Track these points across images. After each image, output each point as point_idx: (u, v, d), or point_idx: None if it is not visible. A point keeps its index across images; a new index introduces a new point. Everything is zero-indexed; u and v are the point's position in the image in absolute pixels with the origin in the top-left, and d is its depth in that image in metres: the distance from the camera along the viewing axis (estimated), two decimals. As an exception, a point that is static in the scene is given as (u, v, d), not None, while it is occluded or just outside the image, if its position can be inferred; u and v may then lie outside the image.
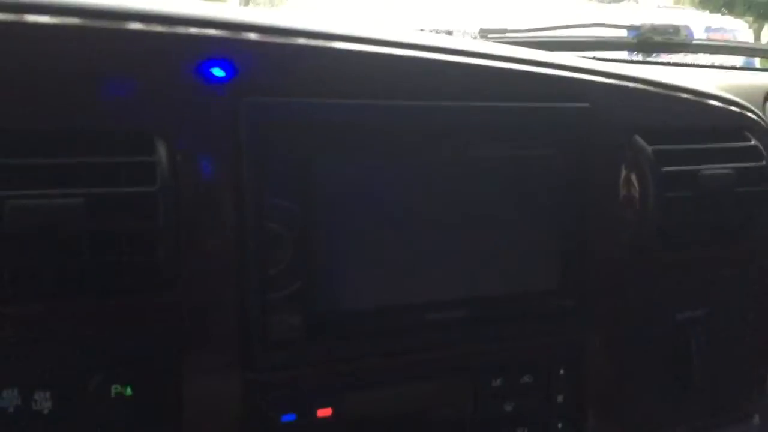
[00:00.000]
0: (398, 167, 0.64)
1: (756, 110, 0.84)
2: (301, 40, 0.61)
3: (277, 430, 0.61)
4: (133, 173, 0.54)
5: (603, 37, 1.55)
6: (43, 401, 0.53)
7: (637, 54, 1.45)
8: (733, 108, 0.81)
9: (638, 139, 0.74)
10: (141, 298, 0.55)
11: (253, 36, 0.60)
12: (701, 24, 5.50)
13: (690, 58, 1.48)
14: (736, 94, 0.88)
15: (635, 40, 1.36)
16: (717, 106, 0.80)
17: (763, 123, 0.83)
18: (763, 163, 0.79)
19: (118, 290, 0.54)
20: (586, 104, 0.71)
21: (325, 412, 0.62)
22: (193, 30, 0.58)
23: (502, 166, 0.68)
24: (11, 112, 0.52)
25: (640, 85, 0.76)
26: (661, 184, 0.73)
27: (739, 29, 5.86)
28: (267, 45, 0.60)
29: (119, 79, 0.55)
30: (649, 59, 1.45)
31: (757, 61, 1.84)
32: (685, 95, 0.78)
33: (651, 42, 1.34)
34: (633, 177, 0.74)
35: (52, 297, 0.53)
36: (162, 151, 0.55)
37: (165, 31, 0.57)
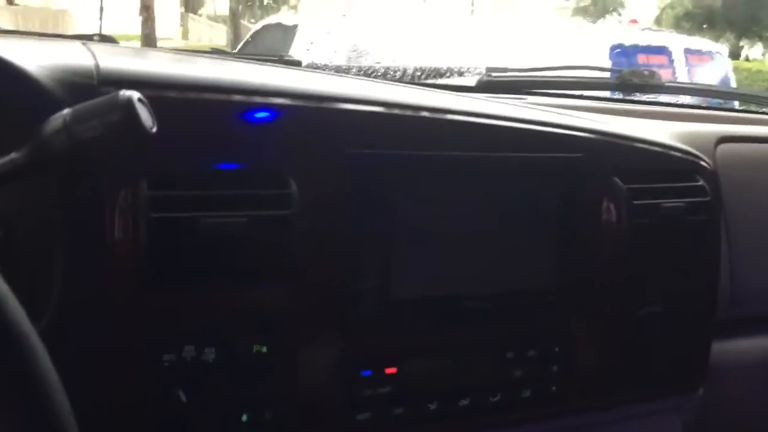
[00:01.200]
0: (446, 198, 0.90)
1: (704, 157, 1.11)
2: (392, 110, 0.88)
3: (357, 381, 0.86)
4: (273, 200, 0.79)
5: (590, 77, 1.83)
6: (209, 354, 0.79)
7: (618, 93, 1.70)
8: (687, 156, 1.08)
9: (616, 180, 1.00)
10: (275, 286, 0.81)
11: (352, 107, 0.86)
12: (681, 46, 5.78)
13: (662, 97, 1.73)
14: (692, 140, 1.15)
15: (617, 82, 1.62)
16: (675, 155, 1.07)
17: (709, 167, 1.10)
18: (708, 198, 1.05)
19: (262, 280, 0.80)
20: (581, 154, 0.97)
21: (391, 370, 0.88)
22: (331, 105, 0.84)
23: (517, 197, 0.94)
24: (193, 159, 0.78)
25: (618, 140, 1.03)
26: (632, 214, 1.00)
27: (717, 50, 6.15)
28: (364, 113, 0.86)
29: (272, 138, 0.81)
30: (627, 98, 1.69)
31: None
32: (651, 147, 1.05)
33: (630, 84, 1.60)
34: (611, 207, 1.00)
35: (224, 284, 0.78)
36: (293, 185, 0.81)
37: (311, 106, 0.83)
